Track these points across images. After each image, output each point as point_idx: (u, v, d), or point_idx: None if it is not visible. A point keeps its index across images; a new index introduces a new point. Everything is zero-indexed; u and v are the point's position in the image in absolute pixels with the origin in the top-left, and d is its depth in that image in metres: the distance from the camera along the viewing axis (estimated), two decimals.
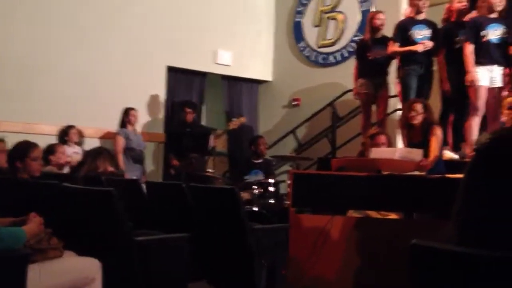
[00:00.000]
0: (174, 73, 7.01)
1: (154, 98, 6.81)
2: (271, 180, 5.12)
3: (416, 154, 3.65)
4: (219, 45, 7.28)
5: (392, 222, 3.06)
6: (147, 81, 6.66)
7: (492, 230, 1.06)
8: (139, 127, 6.34)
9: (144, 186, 3.89)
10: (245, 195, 4.65)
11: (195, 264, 3.17)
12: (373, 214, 3.23)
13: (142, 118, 6.45)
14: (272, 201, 4.91)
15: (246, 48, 7.57)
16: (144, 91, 6.68)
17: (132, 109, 6.14)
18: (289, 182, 3.36)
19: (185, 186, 3.43)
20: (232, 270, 3.20)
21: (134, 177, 4.77)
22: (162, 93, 6.87)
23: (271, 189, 5.01)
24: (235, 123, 6.06)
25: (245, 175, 5.70)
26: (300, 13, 7.55)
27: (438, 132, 4.05)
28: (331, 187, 2.99)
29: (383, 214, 3.26)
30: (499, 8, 4.51)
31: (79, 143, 5.87)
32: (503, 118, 3.72)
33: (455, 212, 1.13)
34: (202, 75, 7.32)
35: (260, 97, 7.87)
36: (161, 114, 6.87)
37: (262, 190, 4.95)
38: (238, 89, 7.67)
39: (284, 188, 5.61)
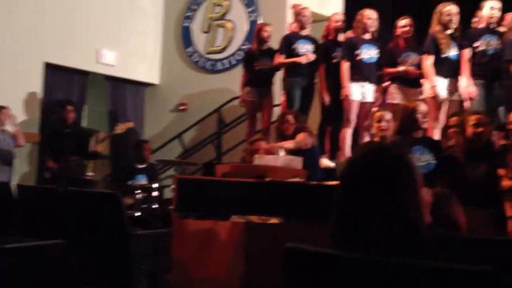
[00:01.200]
0: (52, 70, 6.60)
1: (29, 96, 6.36)
2: (155, 185, 5.05)
3: (297, 162, 3.84)
4: (103, 44, 7.02)
5: (273, 227, 3.18)
6: (21, 78, 6.20)
7: (360, 235, 1.16)
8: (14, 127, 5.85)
9: (15, 190, 3.62)
10: (127, 200, 4.52)
11: (73, 272, 3.02)
12: (255, 219, 3.34)
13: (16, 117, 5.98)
14: (155, 206, 4.84)
15: (132, 49, 7.38)
16: (18, 88, 6.21)
17: (2, 107, 5.68)
18: (173, 187, 3.34)
19: (61, 190, 3.25)
20: (111, 277, 3.10)
21: (2, 180, 4.41)
22: (38, 91, 6.44)
23: (155, 194, 4.93)
24: (121, 127, 5.86)
25: (129, 179, 5.55)
26: (189, 18, 7.55)
27: (304, 133, 4.30)
28: (215, 192, 3.04)
29: (264, 219, 3.37)
30: (372, 29, 4.92)
31: None
32: (373, 131, 4.07)
33: (331, 217, 1.22)
34: (84, 74, 6.99)
35: (146, 100, 7.71)
36: (36, 113, 6.43)
37: (145, 195, 4.85)
38: (122, 91, 7.45)
39: (169, 193, 5.55)
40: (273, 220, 3.33)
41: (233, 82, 6.44)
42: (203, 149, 7.02)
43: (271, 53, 5.55)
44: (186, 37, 7.54)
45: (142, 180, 5.52)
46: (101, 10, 7.00)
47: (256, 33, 5.75)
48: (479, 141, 3.38)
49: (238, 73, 6.20)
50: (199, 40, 7.43)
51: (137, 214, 4.44)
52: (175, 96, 7.49)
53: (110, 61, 7.10)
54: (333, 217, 1.20)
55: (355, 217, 1.16)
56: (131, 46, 7.37)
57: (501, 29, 4.66)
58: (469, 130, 3.40)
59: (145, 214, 4.45)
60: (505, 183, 3.19)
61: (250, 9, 7.07)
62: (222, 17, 7.30)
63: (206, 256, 2.96)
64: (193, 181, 3.44)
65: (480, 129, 3.37)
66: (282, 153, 4.28)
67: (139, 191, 4.83)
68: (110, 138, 6.51)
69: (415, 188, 1.22)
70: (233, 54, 7.14)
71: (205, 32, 7.40)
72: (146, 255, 3.11)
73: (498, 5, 4.55)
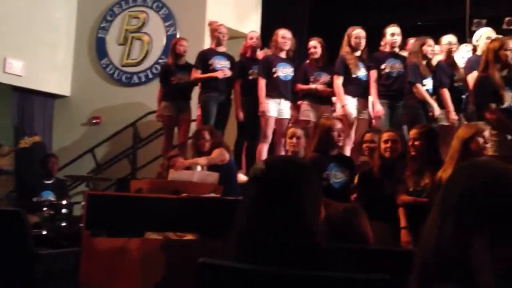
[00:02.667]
0: None
1: None
2: (64, 202, 4.81)
3: (213, 177, 3.83)
4: (9, 53, 6.63)
5: (189, 243, 3.13)
6: None
7: (264, 247, 1.17)
8: None
9: None
10: (33, 218, 4.27)
11: None
12: (171, 235, 3.27)
13: None
14: (64, 224, 4.60)
15: (41, 59, 7.02)
16: None
17: None
18: (83, 203, 3.20)
19: None
20: None
21: None
22: None
23: (64, 211, 4.70)
24: (26, 141, 5.52)
25: (35, 196, 5.24)
26: (104, 29, 7.34)
27: (220, 149, 4.32)
28: (128, 208, 2.95)
29: (180, 236, 3.32)
30: (286, 48, 5.06)
31: None
32: (287, 146, 4.17)
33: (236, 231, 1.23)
34: None
35: (56, 112, 7.35)
36: None
37: (53, 212, 4.61)
38: (30, 102, 7.05)
39: (79, 210, 5.30)
40: (189, 236, 3.29)
41: (149, 96, 6.34)
42: (117, 164, 6.81)
43: (188, 68, 5.54)
44: (100, 48, 7.31)
45: (49, 196, 5.25)
46: (9, 17, 6.62)
47: (172, 48, 5.73)
48: (391, 158, 3.56)
49: (155, 87, 6.11)
50: (115, 52, 7.24)
51: (44, 232, 4.20)
52: (87, 109, 7.21)
53: (17, 71, 6.70)
54: (237, 229, 1.21)
55: (258, 230, 1.18)
56: (40, 56, 7.02)
57: (405, 53, 4.99)
58: (382, 146, 3.57)
59: (53, 233, 4.22)
60: (402, 197, 3.38)
61: (167, 23, 7.02)
62: (139, 29, 7.17)
63: (118, 275, 2.85)
64: (105, 197, 3.32)
65: (391, 145, 3.54)
66: (198, 168, 4.26)
67: (46, 208, 4.59)
68: (14, 152, 6.12)
69: (316, 200, 1.26)
70: (150, 68, 7.03)
71: (121, 44, 7.23)
72: (53, 276, 2.94)
73: (398, 30, 4.87)
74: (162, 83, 5.75)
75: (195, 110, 5.69)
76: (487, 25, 5.55)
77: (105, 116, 7.11)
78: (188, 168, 4.21)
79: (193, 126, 5.99)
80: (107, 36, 7.31)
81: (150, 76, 6.99)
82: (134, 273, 2.85)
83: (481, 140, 3.12)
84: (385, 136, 3.61)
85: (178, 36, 6.61)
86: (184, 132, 5.64)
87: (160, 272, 2.86)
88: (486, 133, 3.20)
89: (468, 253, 0.98)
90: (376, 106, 4.72)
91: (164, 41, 6.98)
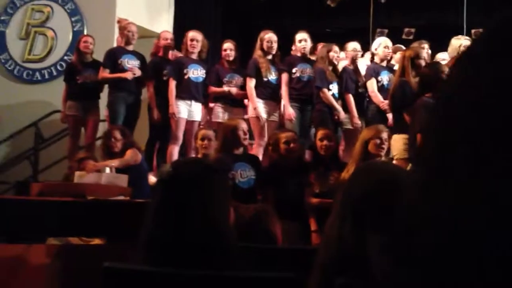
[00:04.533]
0: None
1: None
2: None
3: (122, 179, 3.73)
4: None
5: (95, 248, 3.02)
6: None
7: (172, 248, 1.17)
8: None
9: None
10: None
11: None
12: (76, 240, 3.14)
13: None
14: None
15: None
16: None
17: None
18: None
19: None
20: None
21: None
22: None
23: None
24: None
25: None
26: (4, 22, 6.87)
27: (133, 150, 4.22)
28: (29, 213, 2.79)
29: (86, 241, 3.19)
30: (197, 50, 5.03)
31: None
32: (199, 148, 4.15)
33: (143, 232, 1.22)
34: None
35: None
36: None
37: None
38: None
39: None
40: (96, 241, 3.17)
41: (53, 94, 6.04)
42: (17, 166, 6.40)
43: (95, 66, 5.35)
44: (0, 42, 6.84)
45: None
46: None
47: (77, 45, 5.52)
48: (291, 158, 3.67)
49: (59, 85, 5.82)
50: (15, 47, 6.80)
51: None
52: None
53: None
54: (144, 232, 1.20)
55: (165, 233, 1.18)
56: None
57: (314, 57, 5.18)
58: (281, 147, 3.67)
59: None
60: (309, 200, 3.51)
61: (74, 19, 6.72)
62: (43, 24, 6.80)
63: (16, 284, 2.68)
64: (3, 201, 3.10)
65: (291, 146, 3.66)
66: (107, 171, 4.12)
67: None
68: None
69: (224, 201, 1.28)
70: (54, 65, 6.69)
71: (22, 39, 6.81)
72: None
73: (306, 36, 5.04)
74: (66, 81, 5.51)
75: (104, 110, 5.50)
76: (388, 34, 5.91)
77: (4, 114, 6.64)
78: (100, 170, 4.06)
79: (102, 127, 5.79)
80: (7, 30, 6.85)
81: (55, 73, 6.65)
82: (35, 281, 2.69)
83: (377, 141, 3.33)
84: (283, 137, 3.71)
85: (85, 32, 6.35)
86: (92, 133, 5.43)
87: (64, 279, 2.73)
88: (384, 135, 3.40)
89: (364, 248, 1.05)
90: (287, 109, 4.85)
91: (70, 37, 6.67)
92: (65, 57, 6.59)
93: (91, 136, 5.42)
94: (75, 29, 6.69)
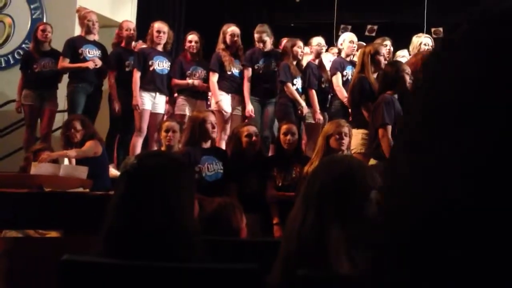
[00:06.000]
0: None
1: None
2: None
3: (81, 171, 3.64)
4: None
5: (51, 240, 2.95)
6: None
7: (135, 240, 1.15)
8: None
9: None
10: None
11: None
12: (32, 233, 3.05)
13: None
14: None
15: None
16: None
17: None
18: None
19: None
20: None
21: None
22: None
23: None
24: None
25: None
26: None
27: (93, 141, 4.13)
28: None
29: (42, 233, 3.11)
30: (162, 41, 4.96)
31: None
32: (162, 140, 4.10)
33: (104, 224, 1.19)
34: None
35: None
36: None
37: None
38: None
39: None
40: (53, 234, 3.10)
41: (9, 83, 5.85)
42: None
43: (54, 55, 5.20)
44: None
45: None
46: None
47: (34, 33, 5.35)
48: (253, 152, 3.67)
49: (16, 74, 5.63)
50: None
51: None
52: None
53: None
54: (106, 223, 1.18)
55: (127, 225, 1.17)
56: None
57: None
58: (243, 141, 3.67)
59: None
60: (271, 193, 3.53)
61: (33, 6, 6.51)
62: (0, 10, 6.55)
63: None
64: None
65: (252, 140, 3.66)
66: (66, 162, 4.01)
67: None
68: None
69: (188, 195, 1.28)
70: (12, 53, 6.47)
71: None
72: None
73: (267, 30, 5.01)
74: (22, 70, 5.34)
75: (62, 100, 5.36)
76: (351, 31, 5.99)
77: None
78: (55, 161, 3.95)
79: (59, 117, 5.64)
80: None
81: (12, 61, 6.44)
82: None
83: (338, 136, 3.38)
84: (245, 130, 3.70)
85: (45, 20, 6.16)
86: (48, 123, 5.28)
87: (19, 273, 2.65)
88: (345, 130, 3.45)
89: (324, 238, 1.07)
90: (247, 106, 4.83)
91: (28, 25, 6.47)
92: (23, 45, 6.39)
93: (46, 126, 5.27)
94: (33, 16, 6.49)
